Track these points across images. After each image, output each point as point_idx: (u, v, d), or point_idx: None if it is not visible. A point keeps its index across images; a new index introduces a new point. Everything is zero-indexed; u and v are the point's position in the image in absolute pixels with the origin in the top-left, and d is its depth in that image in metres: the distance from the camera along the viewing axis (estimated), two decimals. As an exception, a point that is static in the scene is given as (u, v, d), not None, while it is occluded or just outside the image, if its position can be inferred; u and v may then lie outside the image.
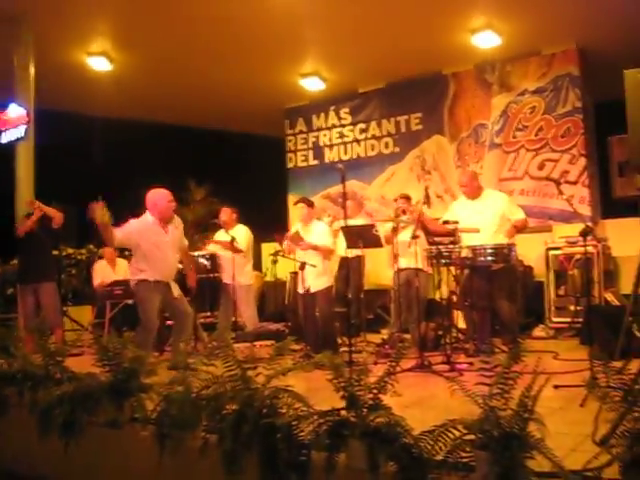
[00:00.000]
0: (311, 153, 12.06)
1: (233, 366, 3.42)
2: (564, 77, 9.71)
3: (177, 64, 9.93)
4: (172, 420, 3.59)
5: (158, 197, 6.24)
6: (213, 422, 3.43)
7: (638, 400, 2.57)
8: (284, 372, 3.48)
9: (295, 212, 7.65)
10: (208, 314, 8.93)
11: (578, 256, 8.44)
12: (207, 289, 8.63)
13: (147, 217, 6.23)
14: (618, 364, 4.43)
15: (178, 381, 3.73)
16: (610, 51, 9.05)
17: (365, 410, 3.01)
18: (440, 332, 7.15)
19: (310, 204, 7.42)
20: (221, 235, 8.31)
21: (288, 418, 3.17)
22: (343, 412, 3.09)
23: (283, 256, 8.00)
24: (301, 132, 12.24)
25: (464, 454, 2.76)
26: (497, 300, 6.56)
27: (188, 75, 10.32)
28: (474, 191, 6.87)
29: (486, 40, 9.23)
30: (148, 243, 6.11)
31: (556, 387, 4.99)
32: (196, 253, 8.33)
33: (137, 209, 6.30)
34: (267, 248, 10.46)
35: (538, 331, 8.70)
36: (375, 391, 3.04)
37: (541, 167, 9.73)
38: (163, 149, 12.03)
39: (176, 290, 6.36)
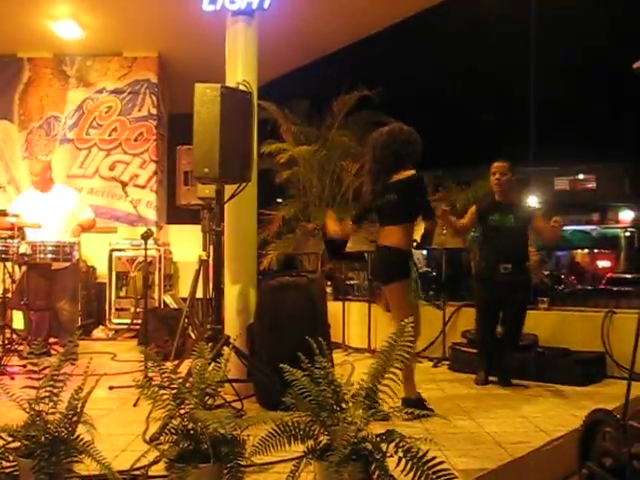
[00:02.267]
0: None
1: None
2: (143, 82, 9.85)
3: None
4: None
5: None
6: None
7: (186, 398, 2.67)
8: None
9: None
10: None
11: (141, 259, 8.61)
12: None
13: None
14: (173, 364, 4.62)
15: None
16: (188, 65, 9.42)
17: None
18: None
19: None
20: None
21: None
22: None
23: None
24: None
25: (7, 464, 2.59)
26: (57, 300, 6.35)
27: None
28: (45, 182, 6.59)
29: (68, 30, 8.89)
30: None
31: (111, 388, 5.01)
32: None
33: None
34: None
35: (98, 332, 8.66)
36: None
37: (112, 168, 9.70)
38: None
39: None
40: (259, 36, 5.33)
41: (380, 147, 4.43)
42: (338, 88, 9.98)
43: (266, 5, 5.14)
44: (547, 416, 4.24)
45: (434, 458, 2.35)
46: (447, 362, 6.29)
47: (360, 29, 9.18)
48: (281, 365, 2.67)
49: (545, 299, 6.31)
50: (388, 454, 2.43)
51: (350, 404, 2.55)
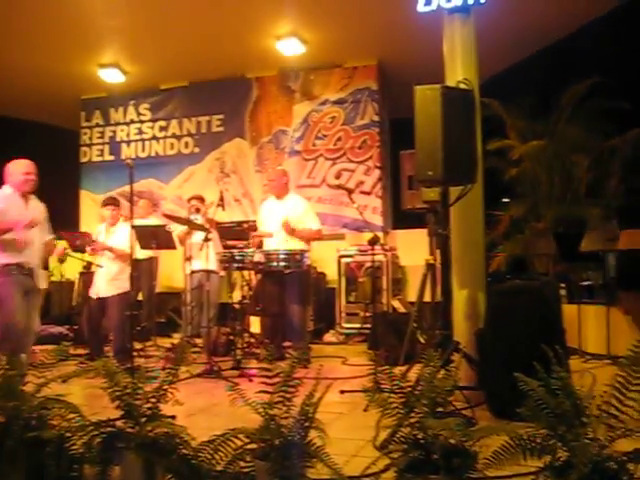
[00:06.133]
0: (107, 148, 11.51)
1: (-4, 373, 3.07)
2: (364, 91, 10.04)
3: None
4: None
5: (13, 167, 5.45)
6: (-27, 437, 3.07)
7: (415, 406, 2.61)
8: (59, 379, 3.21)
9: (103, 213, 7.04)
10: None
11: (368, 264, 8.71)
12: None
13: (5, 189, 5.40)
14: (402, 369, 4.60)
15: None
16: (406, 69, 9.45)
17: (143, 420, 2.83)
18: (232, 337, 7.07)
19: (118, 204, 7.03)
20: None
21: (57, 431, 2.91)
22: (119, 422, 2.89)
23: (69, 255, 7.57)
24: (98, 125, 11.64)
25: (245, 464, 2.68)
26: (289, 305, 6.58)
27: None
28: (281, 187, 6.86)
29: (291, 47, 9.31)
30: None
31: (342, 392, 5.07)
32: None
33: None
34: (54, 246, 9.87)
35: (329, 336, 8.89)
36: (154, 400, 2.86)
37: (338, 176, 9.97)
38: None
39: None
40: (476, 32, 5.19)
41: None
42: (564, 79, 9.46)
43: (482, -1, 4.98)
44: None
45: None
46: None
47: (584, 13, 8.59)
48: (515, 374, 2.52)
49: None
50: (636, 476, 2.19)
51: (592, 418, 2.33)
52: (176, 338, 8.31)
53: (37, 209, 5.54)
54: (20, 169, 5.42)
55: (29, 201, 5.46)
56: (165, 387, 2.90)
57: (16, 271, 5.21)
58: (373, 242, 5.37)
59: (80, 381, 4.84)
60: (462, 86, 4.55)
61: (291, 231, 6.61)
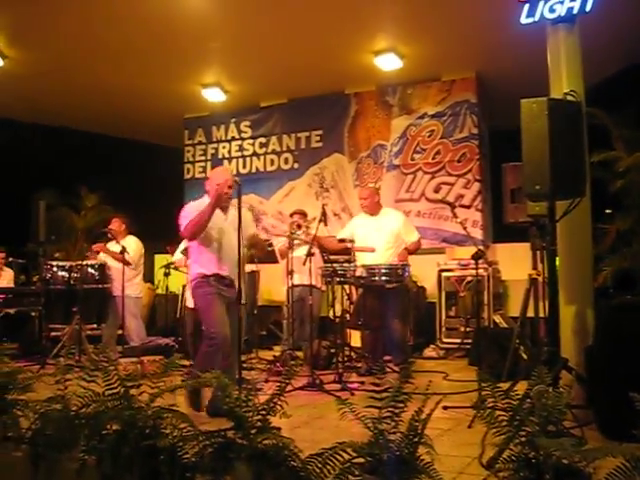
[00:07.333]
0: (209, 165, 11.84)
1: (115, 383, 3.22)
2: (462, 103, 9.95)
3: (71, 65, 9.50)
4: (48, 440, 3.36)
5: (213, 177, 5.35)
6: (92, 443, 3.22)
7: (524, 424, 2.57)
8: (170, 390, 3.33)
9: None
10: (94, 326, 8.56)
11: (469, 278, 8.62)
12: (94, 300, 8.28)
13: (205, 200, 5.30)
14: (505, 385, 4.53)
15: (56, 398, 3.50)
16: (506, 81, 9.35)
17: (253, 431, 2.89)
18: (333, 350, 7.12)
19: None
20: (111, 246, 8.11)
21: (171, 439, 3.02)
22: (230, 433, 2.97)
23: (175, 268, 7.86)
24: (200, 143, 12.02)
25: (353, 478, 2.70)
26: (390, 320, 6.58)
27: (83, 77, 9.87)
28: (373, 206, 6.89)
29: (389, 62, 9.34)
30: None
31: (445, 408, 5.03)
32: (84, 262, 8.13)
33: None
34: (160, 260, 10.25)
35: (429, 351, 8.82)
36: (264, 412, 2.93)
37: (437, 190, 9.90)
38: (52, 152, 11.55)
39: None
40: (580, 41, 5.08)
41: None
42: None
43: (588, 8, 4.86)
44: None
45: None
46: None
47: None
48: (631, 394, 2.45)
49: None
50: None
51: None
52: (277, 351, 8.43)
53: (236, 219, 5.21)
54: (216, 182, 5.24)
55: (228, 211, 5.32)
56: (275, 400, 2.96)
57: (215, 282, 5.17)
58: (477, 256, 5.30)
59: (185, 391, 4.99)
60: (569, 98, 4.46)
61: (407, 256, 6.65)
